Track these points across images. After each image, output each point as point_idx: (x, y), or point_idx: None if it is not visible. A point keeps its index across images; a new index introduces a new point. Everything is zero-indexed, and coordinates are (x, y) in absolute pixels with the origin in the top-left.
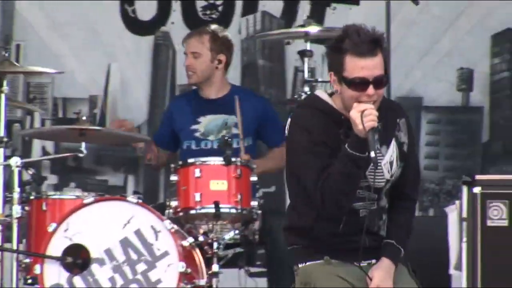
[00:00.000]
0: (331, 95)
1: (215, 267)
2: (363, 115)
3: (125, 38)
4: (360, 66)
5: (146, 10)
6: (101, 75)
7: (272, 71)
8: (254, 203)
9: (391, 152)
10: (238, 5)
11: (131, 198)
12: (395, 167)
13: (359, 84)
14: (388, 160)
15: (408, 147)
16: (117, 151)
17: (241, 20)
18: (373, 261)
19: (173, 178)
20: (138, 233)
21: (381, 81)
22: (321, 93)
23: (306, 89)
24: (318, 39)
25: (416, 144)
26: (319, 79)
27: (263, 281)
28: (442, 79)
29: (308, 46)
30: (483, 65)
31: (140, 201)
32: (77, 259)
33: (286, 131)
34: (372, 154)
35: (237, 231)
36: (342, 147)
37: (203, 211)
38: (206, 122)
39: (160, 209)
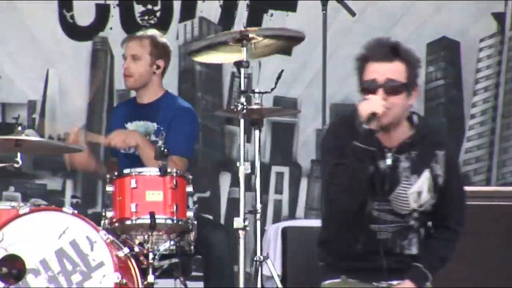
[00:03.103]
0: None
1: (150, 278)
2: (364, 102)
3: (64, 43)
4: (372, 70)
5: (84, 15)
6: (40, 80)
7: (209, 77)
8: (189, 214)
9: (421, 183)
10: (176, 11)
11: (67, 209)
12: (425, 198)
13: (368, 87)
14: (416, 189)
15: (445, 181)
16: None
17: (179, 25)
18: (394, 282)
19: (109, 188)
20: (73, 243)
21: (394, 87)
22: None
23: (242, 99)
24: None
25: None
26: (256, 90)
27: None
28: None
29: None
30: None
31: (76, 211)
32: (12, 269)
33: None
34: (366, 126)
35: (172, 242)
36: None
37: (138, 221)
38: (133, 128)
39: (96, 218)
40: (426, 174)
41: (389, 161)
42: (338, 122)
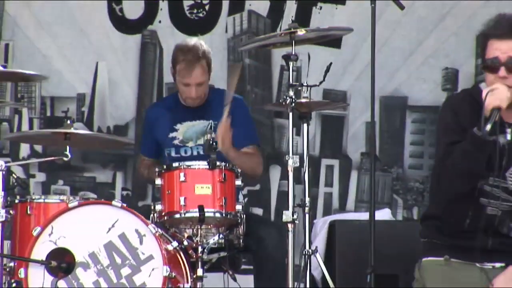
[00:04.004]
0: None
1: (199, 271)
2: (490, 93)
3: (113, 36)
4: (494, 48)
5: (133, 9)
6: (89, 73)
7: (258, 70)
8: (238, 207)
9: None
10: (225, 4)
11: (116, 202)
12: None
13: (490, 66)
14: None
15: None
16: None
17: (228, 19)
18: (497, 264)
19: (158, 182)
20: (122, 237)
21: None
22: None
23: (291, 93)
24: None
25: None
26: (304, 83)
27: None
28: (427, 79)
29: (293, 47)
30: (468, 65)
31: (125, 205)
32: (61, 263)
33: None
34: (488, 127)
35: (221, 236)
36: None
37: (187, 215)
38: (184, 129)
39: (147, 211)
40: None
41: (509, 136)
42: (457, 97)
